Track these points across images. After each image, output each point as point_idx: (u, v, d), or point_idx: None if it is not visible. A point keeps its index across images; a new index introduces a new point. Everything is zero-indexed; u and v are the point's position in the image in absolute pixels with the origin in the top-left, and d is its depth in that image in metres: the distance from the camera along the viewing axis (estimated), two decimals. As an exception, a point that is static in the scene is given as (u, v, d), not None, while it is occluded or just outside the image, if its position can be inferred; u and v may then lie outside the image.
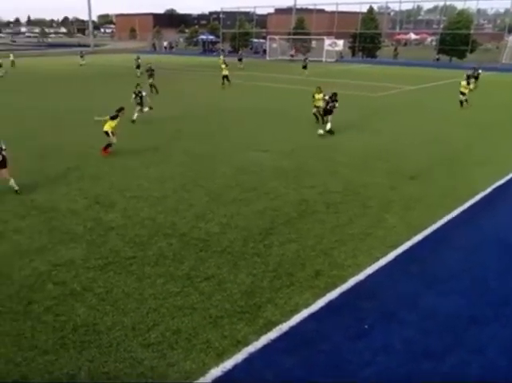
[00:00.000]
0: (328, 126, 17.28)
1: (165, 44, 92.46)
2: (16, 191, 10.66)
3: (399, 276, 7.42)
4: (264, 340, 5.65)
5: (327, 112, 17.35)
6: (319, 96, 18.00)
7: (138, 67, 38.18)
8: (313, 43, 70.21)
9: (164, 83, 34.27)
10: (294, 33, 71.94)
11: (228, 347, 5.53)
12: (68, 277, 7.21)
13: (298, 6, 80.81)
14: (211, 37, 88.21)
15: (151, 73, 28.38)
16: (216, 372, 5.12)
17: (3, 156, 10.31)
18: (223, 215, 9.69)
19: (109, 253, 8.00)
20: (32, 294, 6.75)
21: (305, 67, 41.57)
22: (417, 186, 11.82)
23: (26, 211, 9.81)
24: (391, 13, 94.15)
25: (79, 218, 9.50)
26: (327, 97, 17.33)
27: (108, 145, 14.03)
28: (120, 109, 14.30)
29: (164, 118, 20.47)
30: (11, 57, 48.56)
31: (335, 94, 17.31)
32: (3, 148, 10.34)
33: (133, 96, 18.80)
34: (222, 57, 45.39)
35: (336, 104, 17.11)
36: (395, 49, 70.01)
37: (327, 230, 8.98)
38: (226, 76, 31.81)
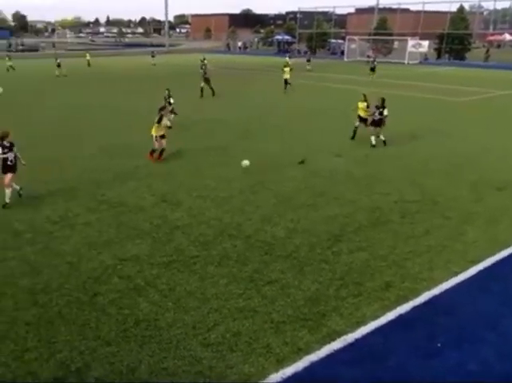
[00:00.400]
0: (382, 137, 16.13)
1: (239, 44, 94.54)
2: (20, 194, 10.66)
3: (479, 293, 7.04)
4: (327, 350, 5.59)
5: (375, 123, 15.95)
6: (362, 105, 16.55)
7: (202, 68, 38.85)
8: (395, 44, 68.52)
9: (235, 83, 35.08)
10: (375, 34, 70.56)
11: (289, 354, 5.53)
12: (132, 272, 7.56)
13: (381, 6, 79.36)
14: (287, 37, 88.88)
15: (206, 77, 28.30)
16: (275, 377, 5.14)
17: (15, 161, 10.34)
18: (290, 220, 9.71)
19: (174, 251, 8.29)
20: (98, 285, 7.16)
21: (372, 69, 40.45)
22: (505, 198, 11.13)
23: (96, 206, 10.43)
24: (485, 13, 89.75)
25: (146, 214, 9.94)
26: (372, 109, 16.01)
27: (153, 151, 13.95)
28: (162, 108, 14.42)
29: (232, 118, 20.91)
30: (87, 57, 51.83)
31: (383, 100, 15.86)
32: (16, 152, 10.37)
33: (163, 100, 18.68)
34: (287, 57, 45.18)
35: (385, 112, 15.71)
36: (487, 51, 66.45)
37: (400, 241, 8.71)
38: (286, 80, 30.67)
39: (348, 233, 9.07)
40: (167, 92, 19.09)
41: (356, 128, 16.77)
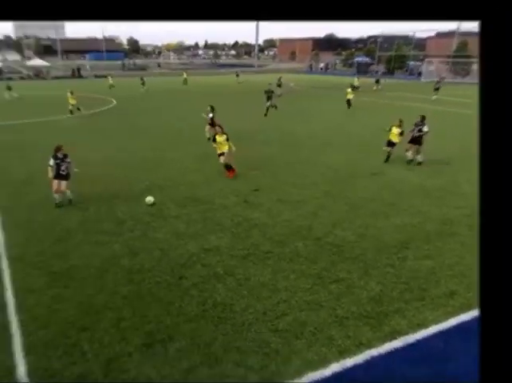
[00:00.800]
0: (420, 158, 14.69)
1: (321, 65, 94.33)
2: (70, 200, 10.71)
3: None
4: (387, 347, 5.43)
5: (415, 140, 14.63)
6: (395, 130, 14.80)
7: (279, 86, 38.28)
8: (474, 66, 64.84)
9: (310, 99, 34.95)
10: (454, 56, 67.19)
11: (350, 347, 5.44)
12: (213, 261, 7.82)
13: (464, 29, 75.20)
14: (366, 59, 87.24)
15: (269, 95, 26.94)
16: (336, 367, 5.08)
17: (67, 171, 10.47)
18: (359, 226, 9.51)
19: (251, 246, 8.45)
20: (183, 270, 7.49)
21: (437, 89, 38.21)
22: None
23: (186, 202, 10.90)
24: None
25: (228, 212, 10.22)
26: (415, 130, 14.55)
27: (226, 167, 13.15)
28: (212, 125, 14.04)
29: (308, 132, 20.81)
30: (184, 75, 53.83)
31: (423, 118, 14.61)
32: (69, 161, 10.52)
33: (206, 116, 18.11)
34: (356, 78, 43.58)
35: (425, 128, 14.40)
36: None
37: (469, 252, 8.17)
38: (348, 101, 29.16)
39: (415, 241, 8.70)
40: (209, 108, 18.09)
41: (388, 152, 15.12)
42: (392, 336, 5.64)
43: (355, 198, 11.34)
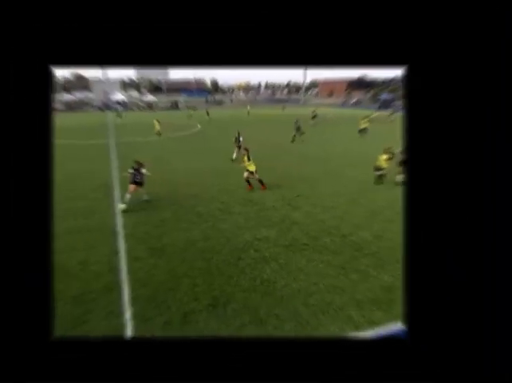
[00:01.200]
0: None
1: (353, 101, 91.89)
2: (147, 200, 10.69)
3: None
4: (395, 326, 5.15)
5: (402, 163, 12.93)
6: (382, 157, 13.11)
7: (314, 117, 36.87)
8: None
9: (339, 125, 34.03)
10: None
11: (364, 323, 5.24)
12: (263, 248, 7.83)
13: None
14: (390, 96, 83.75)
15: (297, 127, 24.91)
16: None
17: (141, 179, 10.36)
18: (377, 229, 9.12)
19: (291, 238, 8.37)
20: (240, 253, 7.56)
21: None
22: None
23: (246, 203, 11.00)
24: None
25: (276, 212, 10.19)
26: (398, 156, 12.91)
27: (261, 182, 12.47)
28: (239, 148, 13.61)
29: (336, 152, 20.25)
30: (248, 108, 53.70)
31: None
32: (144, 173, 10.35)
33: (233, 139, 17.13)
34: (373, 111, 41.13)
35: None
36: None
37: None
38: (362, 130, 26.41)
39: (421, 244, 8.21)
40: (237, 135, 17.02)
41: (379, 176, 13.23)
42: (400, 318, 5.35)
43: (374, 206, 10.90)
